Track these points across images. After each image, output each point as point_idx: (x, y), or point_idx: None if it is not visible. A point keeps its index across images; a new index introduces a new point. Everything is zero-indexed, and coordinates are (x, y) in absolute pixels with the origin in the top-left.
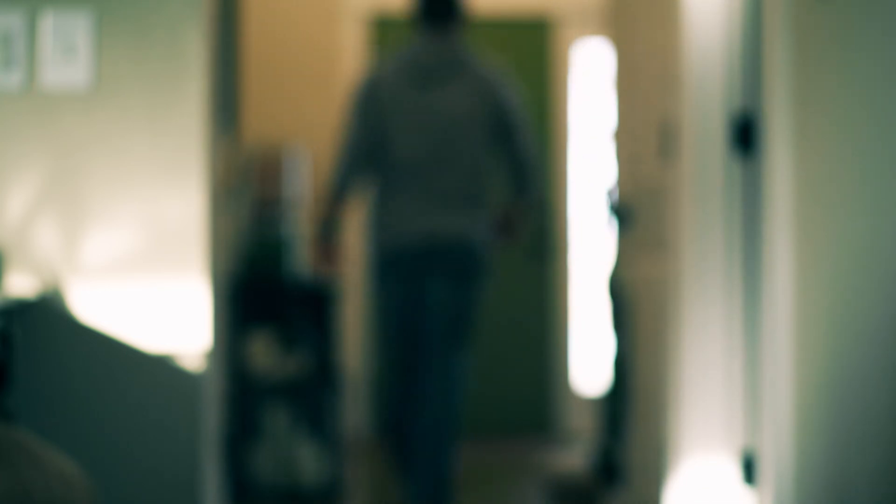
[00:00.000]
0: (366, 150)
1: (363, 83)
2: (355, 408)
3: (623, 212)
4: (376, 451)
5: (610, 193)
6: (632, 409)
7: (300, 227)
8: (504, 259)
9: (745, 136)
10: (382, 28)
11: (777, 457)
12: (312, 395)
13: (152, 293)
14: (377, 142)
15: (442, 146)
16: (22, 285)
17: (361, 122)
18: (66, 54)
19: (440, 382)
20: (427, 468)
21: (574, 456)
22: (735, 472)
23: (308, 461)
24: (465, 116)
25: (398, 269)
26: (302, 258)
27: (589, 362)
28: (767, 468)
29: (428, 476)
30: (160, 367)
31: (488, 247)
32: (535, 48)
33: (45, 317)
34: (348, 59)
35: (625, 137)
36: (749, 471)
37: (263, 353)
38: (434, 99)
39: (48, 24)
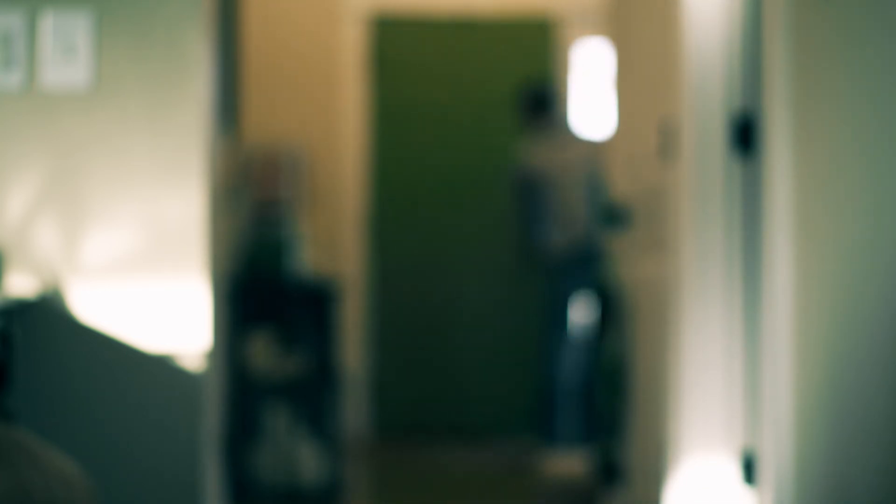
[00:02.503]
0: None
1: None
2: (355, 408)
3: (623, 212)
4: (376, 450)
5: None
6: (632, 409)
7: (300, 226)
8: (504, 261)
9: (745, 136)
10: (382, 28)
11: (777, 457)
12: (312, 395)
13: (152, 293)
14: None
15: (567, 192)
16: (22, 285)
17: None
18: (66, 54)
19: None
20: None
21: (574, 456)
22: (735, 472)
23: (308, 461)
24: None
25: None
26: (302, 258)
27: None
28: (767, 468)
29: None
30: (160, 367)
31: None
32: (535, 48)
33: (45, 317)
34: (348, 59)
35: (625, 137)
36: (749, 471)
37: (263, 353)
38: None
39: (48, 24)
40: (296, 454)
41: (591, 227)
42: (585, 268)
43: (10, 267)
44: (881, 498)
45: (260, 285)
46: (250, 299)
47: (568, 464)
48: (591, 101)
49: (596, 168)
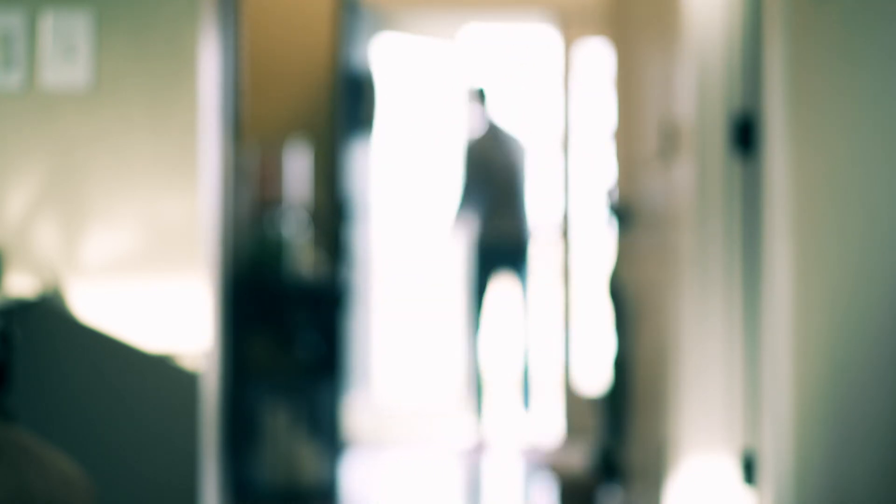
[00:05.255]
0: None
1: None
2: (355, 407)
3: (623, 212)
4: (376, 450)
5: (610, 193)
6: (632, 409)
7: (299, 227)
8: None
9: (745, 136)
10: None
11: (777, 457)
12: (312, 395)
13: (152, 293)
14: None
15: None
16: (22, 285)
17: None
18: (66, 54)
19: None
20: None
21: (574, 456)
22: (735, 472)
23: (308, 461)
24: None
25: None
26: (302, 258)
27: (589, 362)
28: (767, 468)
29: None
30: (160, 367)
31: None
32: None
33: (45, 317)
34: None
35: (625, 137)
36: (749, 471)
37: (263, 353)
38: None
39: (48, 24)
40: (296, 454)
41: (522, 224)
42: (507, 258)
43: (10, 267)
44: (881, 498)
45: (260, 285)
46: (250, 299)
47: (569, 463)
48: (591, 101)
49: (523, 170)
